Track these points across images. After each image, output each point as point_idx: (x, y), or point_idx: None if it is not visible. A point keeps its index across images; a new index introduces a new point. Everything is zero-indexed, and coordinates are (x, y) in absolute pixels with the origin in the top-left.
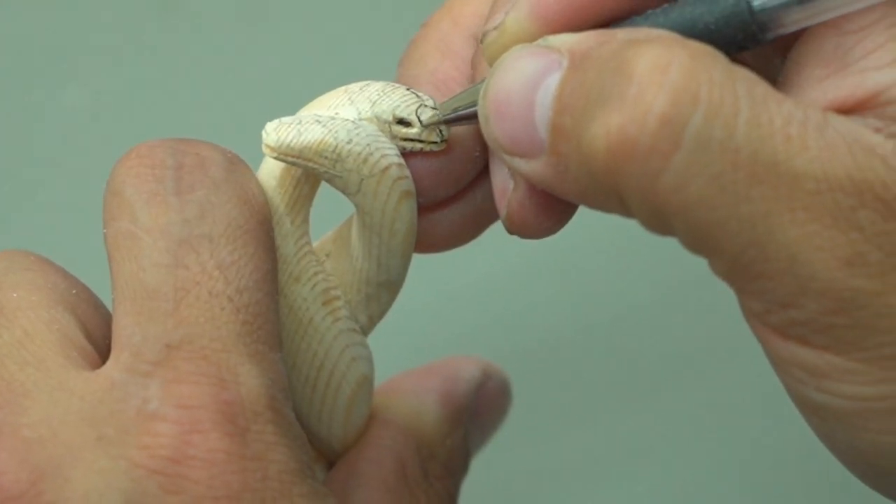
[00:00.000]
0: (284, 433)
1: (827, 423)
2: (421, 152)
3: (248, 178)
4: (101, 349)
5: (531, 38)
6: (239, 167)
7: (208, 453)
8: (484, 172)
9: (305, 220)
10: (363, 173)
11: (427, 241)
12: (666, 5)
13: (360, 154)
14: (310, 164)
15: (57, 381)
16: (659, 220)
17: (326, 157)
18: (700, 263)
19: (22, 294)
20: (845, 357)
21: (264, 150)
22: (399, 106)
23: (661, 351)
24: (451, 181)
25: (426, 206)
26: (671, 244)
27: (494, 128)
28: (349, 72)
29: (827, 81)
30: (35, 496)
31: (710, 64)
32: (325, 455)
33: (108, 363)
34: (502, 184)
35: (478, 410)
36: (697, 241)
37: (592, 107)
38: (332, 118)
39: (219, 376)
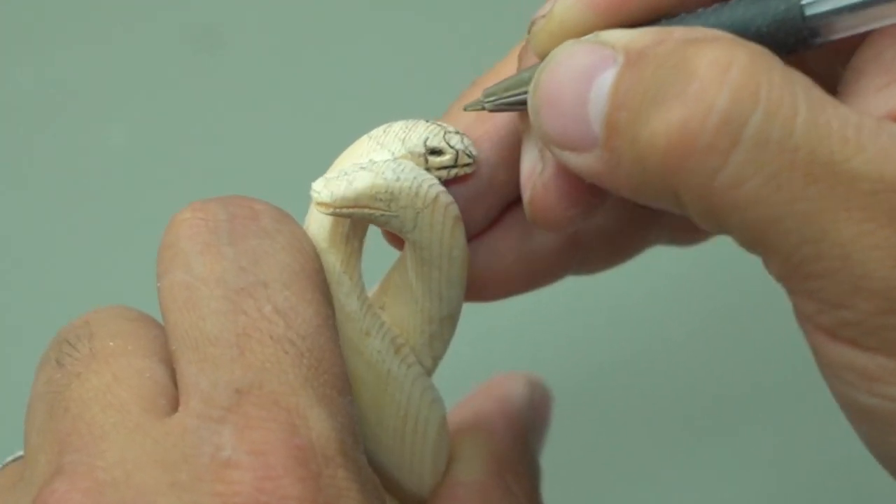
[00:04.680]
0: (356, 478)
1: (876, 428)
2: (455, 179)
3: (298, 230)
4: None
5: (579, 25)
6: (289, 219)
7: (281, 500)
8: (512, 237)
9: (360, 276)
10: (417, 206)
11: (481, 284)
12: (716, 5)
13: (410, 188)
14: (366, 211)
15: (135, 425)
16: (713, 218)
17: (381, 200)
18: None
19: (119, 343)
20: None
21: (317, 208)
22: (428, 137)
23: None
24: (485, 206)
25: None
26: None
27: (545, 121)
28: (388, 110)
29: (886, 90)
30: None
31: (768, 65)
32: None
33: (179, 410)
34: (530, 167)
35: (533, 421)
36: (752, 239)
37: (651, 103)
38: (373, 162)
39: (289, 421)
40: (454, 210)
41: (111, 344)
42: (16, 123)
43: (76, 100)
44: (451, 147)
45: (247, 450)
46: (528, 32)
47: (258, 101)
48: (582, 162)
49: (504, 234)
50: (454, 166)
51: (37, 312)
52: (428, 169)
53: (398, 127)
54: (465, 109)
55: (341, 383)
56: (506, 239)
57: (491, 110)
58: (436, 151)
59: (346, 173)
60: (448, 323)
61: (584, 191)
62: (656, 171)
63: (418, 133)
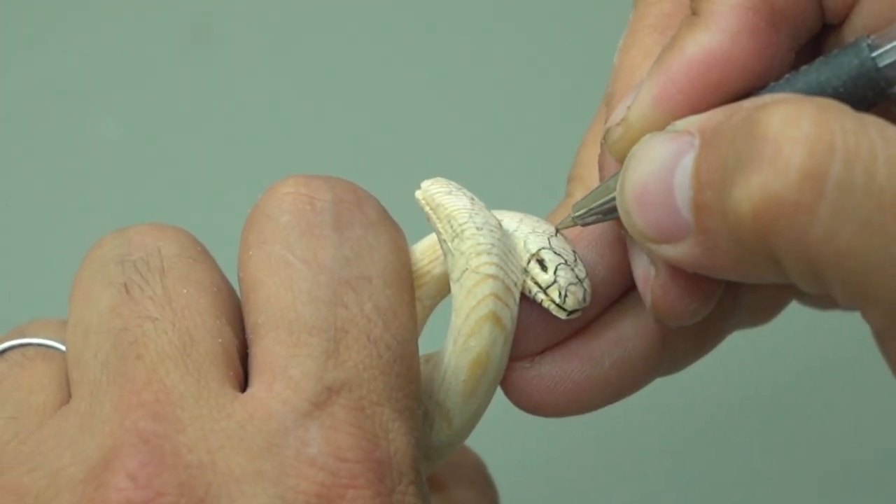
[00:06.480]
0: (423, 495)
1: None
2: (539, 303)
3: (398, 227)
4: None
5: (657, 127)
6: (388, 214)
7: None
8: (608, 340)
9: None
10: (470, 265)
11: (538, 398)
12: (788, 75)
13: (478, 245)
14: (437, 225)
15: (215, 401)
16: (814, 276)
17: (452, 227)
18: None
19: (192, 292)
20: None
21: (420, 190)
22: (550, 249)
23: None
24: (541, 336)
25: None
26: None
27: (637, 219)
28: (382, 103)
29: None
30: None
31: (838, 113)
32: None
33: (260, 390)
34: (644, 272)
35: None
36: (853, 292)
37: (731, 174)
38: (488, 210)
39: (373, 431)
40: (494, 306)
41: (185, 291)
42: (10, 117)
43: (70, 94)
44: (556, 276)
45: (332, 453)
46: (605, 140)
47: (252, 94)
48: (680, 252)
49: (597, 339)
50: (543, 290)
51: (33, 309)
52: (525, 270)
53: (543, 222)
54: (557, 228)
55: (419, 395)
56: (600, 344)
57: (583, 225)
58: (542, 265)
59: (459, 188)
60: (440, 414)
61: (701, 282)
62: (750, 239)
63: (549, 243)
